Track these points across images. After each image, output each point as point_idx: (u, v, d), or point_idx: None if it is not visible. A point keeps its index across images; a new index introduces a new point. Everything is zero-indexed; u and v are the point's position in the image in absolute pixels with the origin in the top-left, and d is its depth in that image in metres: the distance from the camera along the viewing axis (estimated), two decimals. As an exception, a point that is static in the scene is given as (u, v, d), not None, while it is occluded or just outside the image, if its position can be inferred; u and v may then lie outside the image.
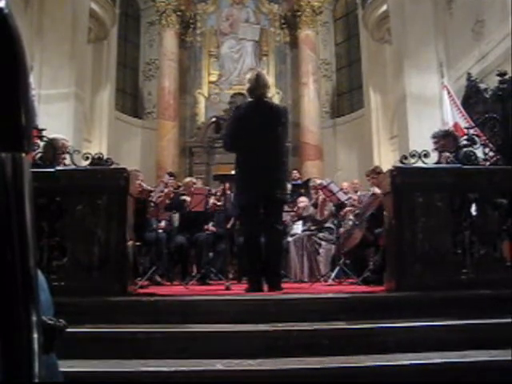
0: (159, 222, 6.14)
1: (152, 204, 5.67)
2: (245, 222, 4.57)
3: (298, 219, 7.07)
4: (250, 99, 4.48)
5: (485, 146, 4.13)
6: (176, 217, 6.71)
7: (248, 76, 4.55)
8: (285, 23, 14.41)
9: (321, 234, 6.60)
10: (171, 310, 3.23)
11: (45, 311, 0.79)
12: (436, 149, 4.42)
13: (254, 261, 4.29)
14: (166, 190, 5.93)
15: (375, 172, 5.53)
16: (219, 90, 14.04)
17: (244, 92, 5.09)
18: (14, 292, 0.54)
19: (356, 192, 6.78)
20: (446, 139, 4.50)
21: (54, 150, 3.97)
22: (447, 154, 4.17)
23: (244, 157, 4.31)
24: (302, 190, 7.68)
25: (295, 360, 2.61)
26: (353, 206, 5.84)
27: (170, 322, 3.07)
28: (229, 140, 4.47)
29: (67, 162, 4.05)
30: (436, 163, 3.90)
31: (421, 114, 8.89)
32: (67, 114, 9.03)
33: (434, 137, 4.64)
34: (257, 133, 4.24)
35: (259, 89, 4.38)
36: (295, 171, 9.89)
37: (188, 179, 7.01)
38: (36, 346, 0.56)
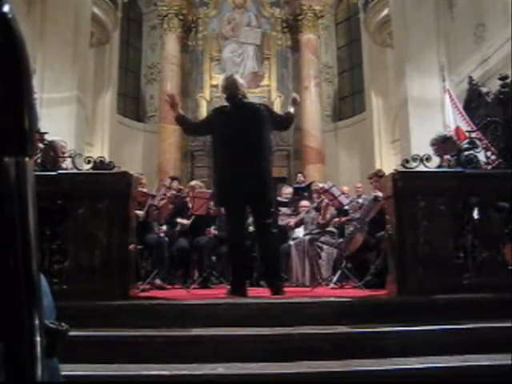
0: (161, 225, 6.13)
1: (154, 208, 5.67)
2: (229, 222, 4.33)
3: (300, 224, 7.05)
4: (227, 101, 4.56)
5: (486, 149, 4.13)
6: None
7: (220, 82, 4.73)
8: (286, 27, 14.42)
9: (323, 238, 6.58)
10: (173, 314, 3.23)
11: (47, 315, 0.79)
12: (438, 154, 4.41)
13: (237, 264, 4.22)
14: (168, 194, 5.92)
15: (378, 175, 5.52)
16: (221, 94, 14.02)
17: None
18: (17, 296, 0.54)
19: (359, 196, 6.76)
20: (445, 143, 4.50)
21: (55, 152, 3.97)
22: (448, 157, 4.17)
23: (225, 155, 4.25)
24: (305, 194, 7.67)
25: (297, 364, 2.61)
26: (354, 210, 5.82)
27: (172, 326, 3.07)
28: (192, 125, 4.89)
29: (69, 165, 4.05)
30: (438, 167, 3.90)
31: (422, 118, 8.87)
32: (69, 118, 9.03)
33: (432, 144, 4.63)
34: (237, 131, 4.23)
35: (232, 89, 4.48)
36: (300, 174, 9.82)
37: (193, 182, 6.95)
38: (39, 350, 0.56)
